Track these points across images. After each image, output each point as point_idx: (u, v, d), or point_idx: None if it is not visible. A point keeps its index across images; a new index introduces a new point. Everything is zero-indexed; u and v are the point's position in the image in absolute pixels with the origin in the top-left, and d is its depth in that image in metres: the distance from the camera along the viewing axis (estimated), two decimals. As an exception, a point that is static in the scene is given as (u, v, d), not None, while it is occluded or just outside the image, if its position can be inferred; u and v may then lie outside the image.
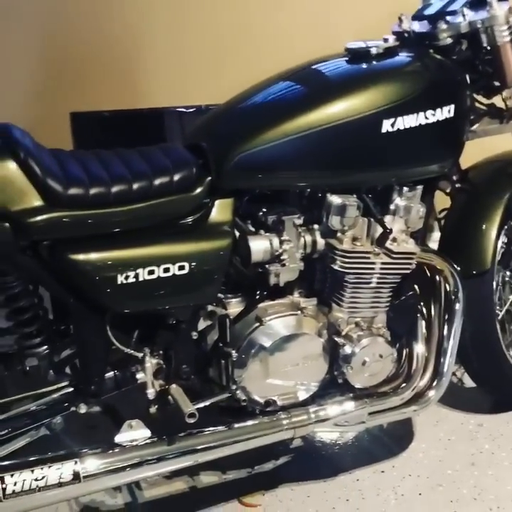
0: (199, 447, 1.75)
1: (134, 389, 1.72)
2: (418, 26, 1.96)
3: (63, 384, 1.71)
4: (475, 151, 2.06)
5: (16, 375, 1.68)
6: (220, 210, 1.69)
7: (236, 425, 1.80)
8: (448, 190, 2.13)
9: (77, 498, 1.93)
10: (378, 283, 1.85)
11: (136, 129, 2.64)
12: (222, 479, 2.05)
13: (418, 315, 2.02)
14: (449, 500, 1.97)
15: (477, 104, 2.04)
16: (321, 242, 1.80)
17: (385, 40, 1.87)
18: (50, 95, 2.89)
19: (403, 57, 1.90)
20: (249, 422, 1.82)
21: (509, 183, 2.14)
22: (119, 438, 1.68)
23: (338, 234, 1.79)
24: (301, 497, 1.99)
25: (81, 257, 1.54)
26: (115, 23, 2.91)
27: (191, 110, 2.66)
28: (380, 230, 1.84)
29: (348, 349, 1.86)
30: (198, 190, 1.66)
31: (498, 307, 2.21)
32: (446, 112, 1.82)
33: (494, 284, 2.15)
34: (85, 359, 1.70)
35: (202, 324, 1.77)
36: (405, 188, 1.85)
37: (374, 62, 1.84)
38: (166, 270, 1.60)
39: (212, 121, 1.89)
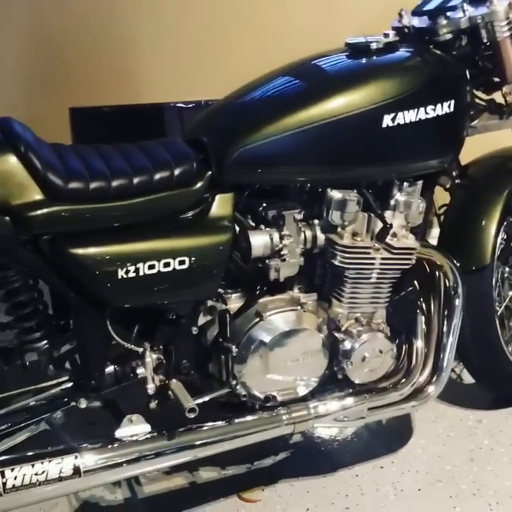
0: (199, 442, 1.75)
1: (134, 384, 1.72)
2: (418, 22, 1.96)
3: (63, 379, 1.71)
4: (475, 147, 2.06)
5: (16, 370, 1.68)
6: (221, 205, 1.69)
7: (236, 420, 1.81)
8: (448, 186, 2.13)
9: (77, 493, 1.94)
10: (378, 278, 1.85)
11: (136, 125, 2.63)
12: (221, 475, 2.05)
13: (418, 310, 2.02)
14: (448, 495, 1.97)
15: (477, 100, 2.04)
16: (321, 237, 1.80)
17: (385, 36, 1.86)
18: (49, 90, 2.88)
19: (403, 52, 1.90)
20: (249, 418, 1.83)
21: (509, 178, 2.14)
22: (119, 433, 1.68)
23: (339, 229, 1.79)
24: (301, 492, 1.99)
25: (81, 251, 1.53)
26: (115, 19, 2.90)
27: (191, 105, 2.65)
28: (380, 225, 1.85)
29: (347, 344, 1.86)
30: (199, 184, 1.66)
31: (497, 303, 2.22)
32: (446, 108, 1.82)
33: (493, 280, 2.15)
34: (85, 354, 1.70)
35: (202, 319, 1.77)
36: (405, 183, 1.86)
37: (374, 57, 1.84)
38: (167, 265, 1.60)
39: (212, 115, 1.89)
